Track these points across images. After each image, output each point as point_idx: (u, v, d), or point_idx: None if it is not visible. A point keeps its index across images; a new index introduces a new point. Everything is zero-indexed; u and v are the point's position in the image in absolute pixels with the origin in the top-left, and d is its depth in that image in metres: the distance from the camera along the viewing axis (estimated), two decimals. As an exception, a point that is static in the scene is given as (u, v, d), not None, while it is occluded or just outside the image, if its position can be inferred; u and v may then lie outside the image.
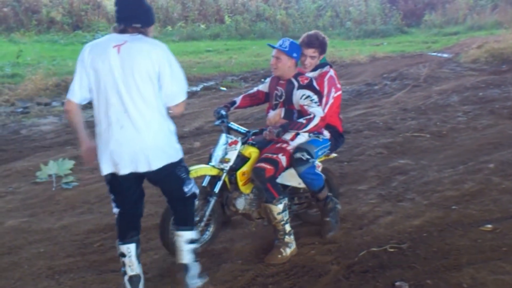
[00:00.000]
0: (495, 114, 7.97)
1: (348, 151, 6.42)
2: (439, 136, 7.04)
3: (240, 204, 3.89)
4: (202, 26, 20.09)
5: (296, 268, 3.70)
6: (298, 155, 3.81)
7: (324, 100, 3.89)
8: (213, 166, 3.80)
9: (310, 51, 3.99)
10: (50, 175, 5.60)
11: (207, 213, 3.80)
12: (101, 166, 3.11)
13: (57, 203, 4.99)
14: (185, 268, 3.33)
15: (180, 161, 3.25)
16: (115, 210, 3.30)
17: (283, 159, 3.78)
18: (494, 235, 4.07)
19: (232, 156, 3.77)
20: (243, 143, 3.89)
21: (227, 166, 3.76)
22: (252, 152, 3.89)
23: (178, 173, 3.25)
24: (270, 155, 3.78)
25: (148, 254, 3.94)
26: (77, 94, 3.09)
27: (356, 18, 21.51)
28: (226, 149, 3.81)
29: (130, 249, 3.24)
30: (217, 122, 3.98)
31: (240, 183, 3.82)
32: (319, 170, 4.07)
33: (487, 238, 4.04)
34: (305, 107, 3.74)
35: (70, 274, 3.68)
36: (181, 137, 6.78)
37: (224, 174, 3.77)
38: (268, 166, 3.68)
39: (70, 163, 5.84)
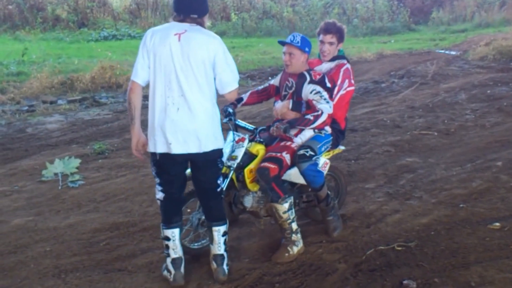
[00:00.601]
0: (503, 112, 7.92)
1: (356, 149, 6.39)
2: (447, 134, 7.00)
3: (248, 201, 3.87)
4: (208, 23, 20.01)
5: (303, 267, 3.69)
6: (301, 151, 3.80)
7: (336, 89, 3.90)
8: None
9: (328, 37, 4.01)
10: (56, 174, 5.61)
11: None
12: (155, 146, 3.26)
13: (63, 201, 4.99)
14: (221, 258, 3.53)
15: (221, 150, 3.43)
16: (160, 195, 3.44)
17: (287, 157, 3.76)
18: (502, 233, 4.05)
19: (239, 153, 3.75)
20: (250, 141, 3.87)
21: (234, 164, 3.74)
22: (259, 149, 3.87)
23: (218, 163, 3.45)
24: (274, 153, 3.76)
25: (155, 253, 3.93)
26: (140, 75, 3.23)
27: (363, 15, 21.40)
28: (233, 147, 3.80)
29: (174, 233, 3.44)
30: (225, 120, 3.97)
31: (247, 181, 3.80)
32: (326, 167, 4.06)
33: (495, 236, 4.02)
34: (314, 102, 3.74)
35: (77, 273, 3.67)
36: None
37: (231, 172, 3.75)
38: (272, 166, 3.66)
39: (76, 162, 5.84)
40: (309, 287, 3.43)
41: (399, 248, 3.89)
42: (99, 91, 10.28)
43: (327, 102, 3.76)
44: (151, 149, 3.29)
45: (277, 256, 3.79)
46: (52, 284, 3.54)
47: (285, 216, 3.75)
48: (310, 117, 3.70)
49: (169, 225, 3.45)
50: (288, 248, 3.80)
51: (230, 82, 3.31)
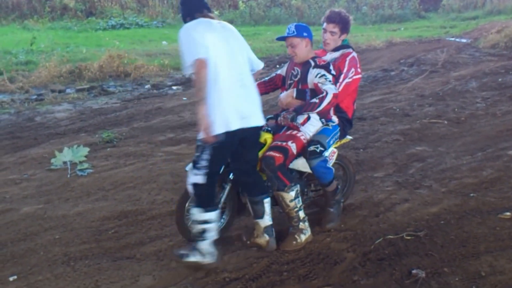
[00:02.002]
0: (515, 100, 7.83)
1: (364, 138, 6.35)
2: (457, 122, 6.93)
3: None
4: (216, 12, 19.95)
5: (311, 256, 3.68)
6: (312, 148, 3.79)
7: (341, 77, 3.87)
8: None
9: (330, 26, 3.98)
10: (65, 162, 5.63)
11: (222, 199, 3.79)
12: (228, 124, 3.33)
13: (72, 190, 5.01)
14: (271, 228, 3.76)
15: None
16: (201, 179, 3.41)
17: (292, 146, 3.74)
18: (513, 223, 4.00)
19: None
20: None
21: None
22: (267, 138, 3.85)
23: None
24: (279, 143, 3.74)
25: (163, 241, 3.94)
26: (203, 52, 3.25)
27: (372, 2, 21.22)
28: None
29: (213, 216, 3.52)
30: None
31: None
32: (334, 156, 4.05)
33: (505, 226, 3.98)
34: (319, 85, 3.72)
35: (86, 261, 3.69)
36: (191, 125, 6.78)
37: None
38: (277, 154, 3.65)
39: (84, 150, 5.86)
40: (317, 276, 3.42)
41: (408, 238, 3.86)
42: (107, 80, 10.29)
43: (332, 84, 3.73)
44: (221, 129, 3.30)
45: (285, 244, 3.79)
46: (61, 271, 3.56)
47: (291, 204, 3.75)
48: (315, 100, 3.68)
49: (211, 208, 3.50)
50: (296, 236, 3.79)
51: (259, 61, 3.73)
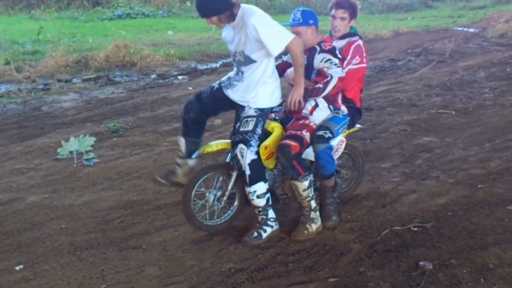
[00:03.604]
0: (523, 91, 7.75)
1: (371, 128, 6.30)
2: (465, 113, 6.87)
3: None
4: (222, 1, 19.84)
5: (317, 247, 3.66)
6: (320, 132, 3.75)
7: (344, 63, 3.81)
8: None
9: (340, 12, 3.91)
10: (71, 152, 5.63)
11: (229, 187, 3.78)
12: (280, 97, 3.73)
13: (78, 179, 5.02)
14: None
15: None
16: (254, 156, 3.62)
17: (307, 135, 3.73)
18: (522, 215, 3.97)
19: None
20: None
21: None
22: (274, 126, 3.83)
23: None
24: (294, 131, 3.72)
25: (169, 231, 3.93)
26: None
27: (379, -8, 21.03)
28: None
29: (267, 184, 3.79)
30: None
31: (263, 157, 3.76)
32: (343, 145, 4.02)
33: (514, 217, 3.94)
34: (325, 69, 3.70)
35: (91, 250, 3.69)
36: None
37: None
38: (293, 143, 3.62)
39: (91, 140, 5.86)
40: (323, 267, 3.41)
41: (415, 229, 3.84)
42: (113, 69, 10.28)
43: (338, 67, 3.69)
44: (278, 101, 3.72)
45: (296, 233, 3.78)
46: (67, 260, 3.56)
47: (304, 194, 3.73)
48: (320, 85, 3.66)
49: (265, 178, 3.72)
50: (307, 225, 3.78)
51: None
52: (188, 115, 3.77)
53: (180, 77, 9.83)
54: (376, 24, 15.27)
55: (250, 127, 3.59)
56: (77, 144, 5.71)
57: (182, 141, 3.83)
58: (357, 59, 3.85)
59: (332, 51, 3.74)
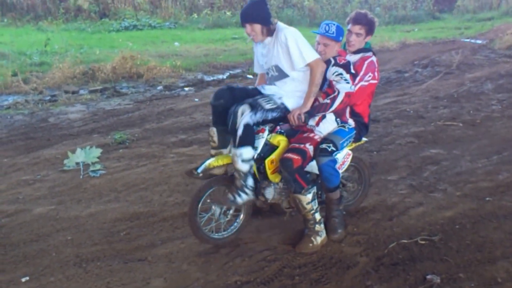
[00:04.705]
0: (531, 102, 7.71)
1: (378, 140, 6.28)
2: (473, 125, 6.84)
3: (269, 193, 3.83)
4: (228, 13, 19.97)
5: (323, 260, 3.64)
6: (323, 145, 3.74)
7: (357, 79, 3.80)
8: None
9: (356, 28, 3.92)
10: (77, 163, 5.64)
11: None
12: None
13: (84, 191, 5.02)
14: None
15: None
16: (252, 121, 3.62)
17: (310, 149, 3.72)
18: (531, 228, 3.93)
19: (259, 144, 3.71)
20: (270, 131, 3.82)
21: (255, 155, 3.69)
22: (280, 140, 3.82)
23: None
24: (297, 145, 3.72)
25: (175, 243, 3.92)
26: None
27: (385, 3, 21.07)
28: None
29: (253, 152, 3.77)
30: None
31: (268, 172, 3.76)
32: (349, 158, 4.00)
33: (523, 231, 3.90)
34: (334, 82, 3.72)
35: (97, 262, 3.68)
36: (207, 125, 6.76)
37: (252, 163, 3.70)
38: (295, 157, 3.62)
39: (97, 151, 5.87)
40: (330, 281, 3.38)
41: (423, 242, 3.81)
42: (120, 81, 10.32)
43: (348, 82, 3.70)
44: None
45: (300, 246, 3.76)
46: (73, 272, 3.56)
47: (308, 207, 3.72)
48: (327, 101, 3.67)
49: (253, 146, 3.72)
50: (312, 238, 3.76)
51: None
52: (218, 101, 3.74)
53: (186, 89, 9.85)
54: (383, 36, 15.27)
55: (267, 106, 3.64)
56: (83, 155, 5.72)
57: (214, 131, 3.79)
58: (369, 75, 3.85)
59: (346, 66, 3.75)
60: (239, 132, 3.54)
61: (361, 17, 3.92)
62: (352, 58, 3.94)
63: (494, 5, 20.62)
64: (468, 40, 14.84)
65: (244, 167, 3.61)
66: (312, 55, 3.64)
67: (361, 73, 3.83)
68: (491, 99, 8.11)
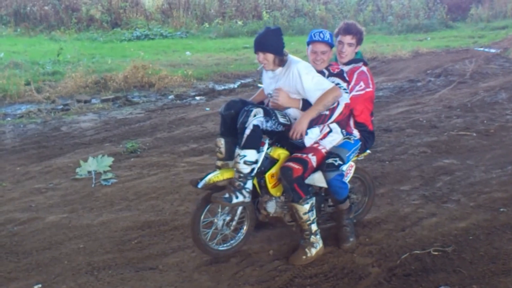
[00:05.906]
0: (546, 112, 7.63)
1: (390, 150, 6.24)
2: (486, 135, 6.78)
3: (271, 207, 3.82)
4: (240, 22, 20.06)
5: (335, 270, 3.61)
6: (330, 160, 3.73)
7: (348, 89, 3.81)
8: None
9: (348, 38, 3.92)
10: (89, 172, 5.68)
11: (238, 211, 3.77)
12: None
13: (96, 199, 5.04)
14: None
15: None
16: (262, 124, 3.63)
17: (313, 159, 3.70)
18: (546, 240, 3.87)
19: (260, 158, 3.66)
20: (270, 145, 3.79)
21: (255, 169, 3.69)
22: (281, 153, 3.80)
23: None
24: (299, 154, 3.71)
25: (186, 252, 3.92)
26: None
27: (398, 12, 21.00)
28: None
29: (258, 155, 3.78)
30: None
31: (269, 186, 3.73)
32: (352, 170, 3.98)
33: (538, 242, 3.85)
34: None
35: (109, 271, 3.69)
36: (214, 135, 6.76)
37: (253, 177, 3.68)
38: (296, 166, 3.60)
39: (109, 160, 5.90)
40: (342, 291, 3.35)
41: (436, 253, 3.77)
42: (132, 90, 10.39)
43: (346, 92, 3.71)
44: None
45: (294, 258, 3.73)
46: (85, 281, 3.57)
47: (305, 217, 3.70)
48: (326, 112, 3.67)
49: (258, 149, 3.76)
50: (306, 250, 3.73)
51: None
52: (229, 111, 3.74)
53: (197, 98, 9.89)
54: (395, 45, 15.22)
55: (281, 119, 3.67)
56: (95, 164, 5.75)
57: (222, 142, 3.78)
58: (361, 86, 3.86)
59: (340, 75, 3.78)
60: (247, 131, 3.53)
61: (352, 27, 3.93)
62: (344, 69, 3.94)
63: (509, 13, 20.45)
64: (481, 49, 14.74)
65: (245, 169, 3.59)
66: (328, 84, 3.68)
67: (352, 83, 3.85)
68: (505, 109, 8.04)
